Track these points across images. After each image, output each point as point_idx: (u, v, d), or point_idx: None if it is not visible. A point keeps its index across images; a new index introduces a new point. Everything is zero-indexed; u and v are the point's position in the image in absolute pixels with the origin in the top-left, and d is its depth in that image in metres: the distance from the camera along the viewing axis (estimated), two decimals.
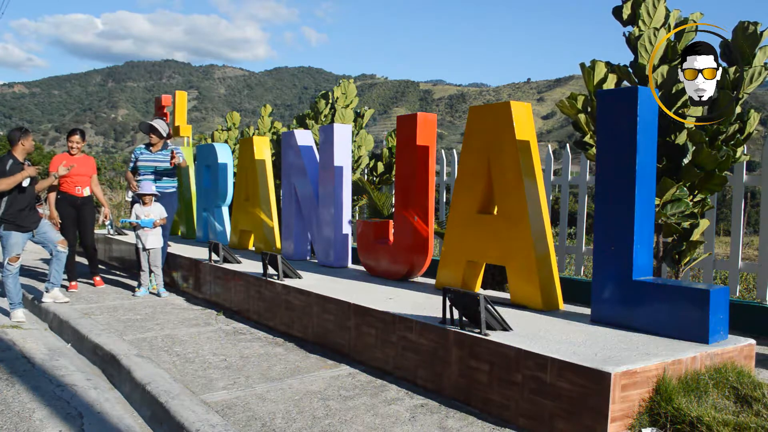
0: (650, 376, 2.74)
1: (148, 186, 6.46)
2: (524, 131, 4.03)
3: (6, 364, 4.25)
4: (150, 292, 6.60)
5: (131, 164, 6.81)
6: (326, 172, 5.85)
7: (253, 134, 11.10)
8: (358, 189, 8.25)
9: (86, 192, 6.67)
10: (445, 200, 8.22)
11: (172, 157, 6.50)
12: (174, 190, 6.89)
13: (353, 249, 6.19)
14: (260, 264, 5.46)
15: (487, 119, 4.21)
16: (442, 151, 8.74)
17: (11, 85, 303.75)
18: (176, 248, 7.40)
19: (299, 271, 5.26)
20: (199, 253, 7.06)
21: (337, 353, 4.21)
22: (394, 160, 8.55)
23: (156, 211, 6.43)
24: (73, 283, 6.73)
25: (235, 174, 7.94)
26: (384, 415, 3.05)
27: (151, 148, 6.78)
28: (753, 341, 3.24)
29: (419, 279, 5.21)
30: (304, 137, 6.39)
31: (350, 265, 6.02)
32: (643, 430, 2.66)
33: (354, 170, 8.98)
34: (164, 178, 6.77)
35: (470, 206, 4.32)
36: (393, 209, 5.86)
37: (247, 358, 4.13)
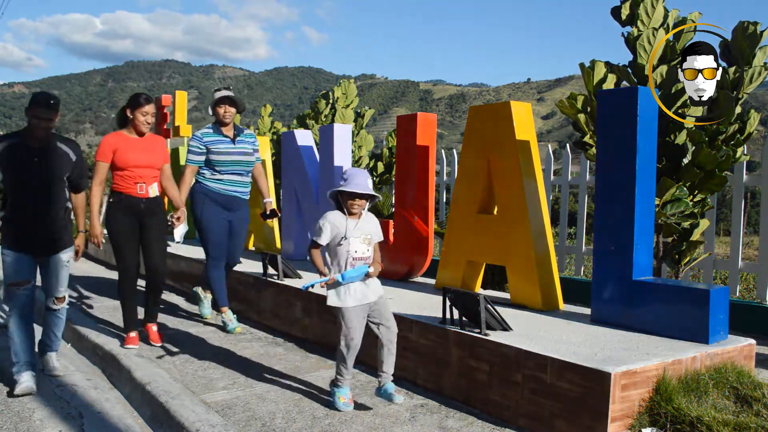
0: (650, 376, 2.74)
1: (364, 177, 3.01)
2: (524, 131, 4.03)
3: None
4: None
5: (197, 156, 4.64)
6: (326, 172, 5.85)
7: None
8: None
9: (152, 191, 4.27)
10: (445, 200, 8.22)
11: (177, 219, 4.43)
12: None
13: None
14: (260, 264, 5.45)
15: (487, 119, 4.21)
16: (442, 151, 8.74)
17: (11, 85, 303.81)
18: (176, 248, 7.39)
19: (299, 271, 5.26)
20: (199, 252, 7.05)
21: None
22: (394, 160, 8.54)
23: (372, 230, 3.12)
24: (133, 334, 4.34)
25: None
26: (384, 415, 3.05)
27: (223, 129, 4.73)
28: (753, 341, 3.25)
29: (419, 279, 5.21)
30: (304, 137, 6.39)
31: None
32: (643, 430, 2.65)
33: None
34: (246, 177, 4.88)
35: (470, 206, 4.32)
36: (393, 209, 5.86)
37: (247, 358, 4.13)
